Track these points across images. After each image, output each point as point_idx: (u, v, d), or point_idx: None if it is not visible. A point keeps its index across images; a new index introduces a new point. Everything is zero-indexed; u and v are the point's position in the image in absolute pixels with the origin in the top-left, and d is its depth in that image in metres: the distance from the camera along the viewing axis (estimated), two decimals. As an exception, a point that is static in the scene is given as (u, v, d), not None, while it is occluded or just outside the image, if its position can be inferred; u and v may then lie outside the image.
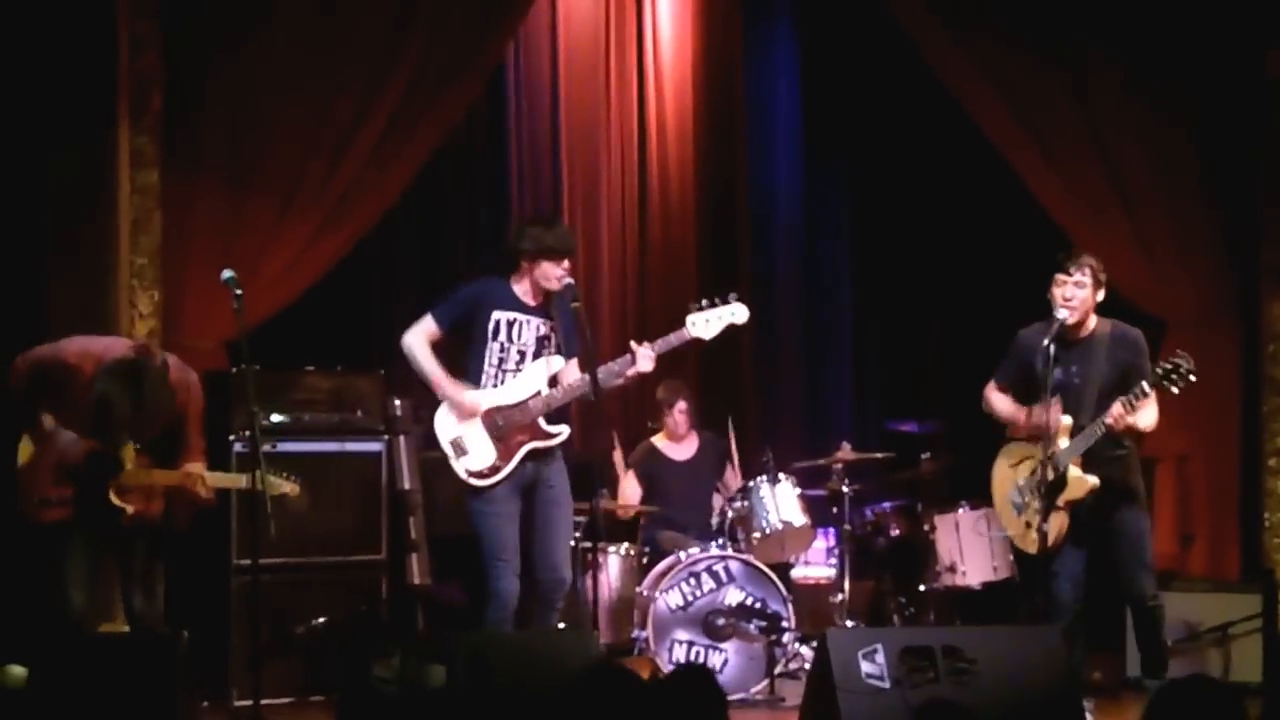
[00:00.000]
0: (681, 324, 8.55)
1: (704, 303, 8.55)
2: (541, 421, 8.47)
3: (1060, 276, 8.36)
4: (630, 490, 10.72)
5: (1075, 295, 8.33)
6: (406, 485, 9.71)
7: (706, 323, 8.52)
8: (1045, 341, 8.22)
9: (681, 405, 10.67)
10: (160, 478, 7.94)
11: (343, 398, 9.52)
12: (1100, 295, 8.43)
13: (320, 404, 9.50)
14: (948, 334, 12.58)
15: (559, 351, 8.57)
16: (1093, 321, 8.46)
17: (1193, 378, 8.12)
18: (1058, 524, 8.30)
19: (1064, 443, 8.27)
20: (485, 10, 10.33)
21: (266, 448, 7.76)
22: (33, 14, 9.13)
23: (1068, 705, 7.58)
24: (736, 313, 8.56)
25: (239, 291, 7.73)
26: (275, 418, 9.14)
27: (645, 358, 8.44)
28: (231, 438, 8.96)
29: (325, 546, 9.36)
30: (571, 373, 8.57)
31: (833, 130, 12.86)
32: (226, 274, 7.78)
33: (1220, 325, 10.70)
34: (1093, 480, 8.27)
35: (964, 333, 12.14)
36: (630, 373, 8.50)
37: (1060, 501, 8.27)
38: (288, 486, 8.15)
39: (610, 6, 12.04)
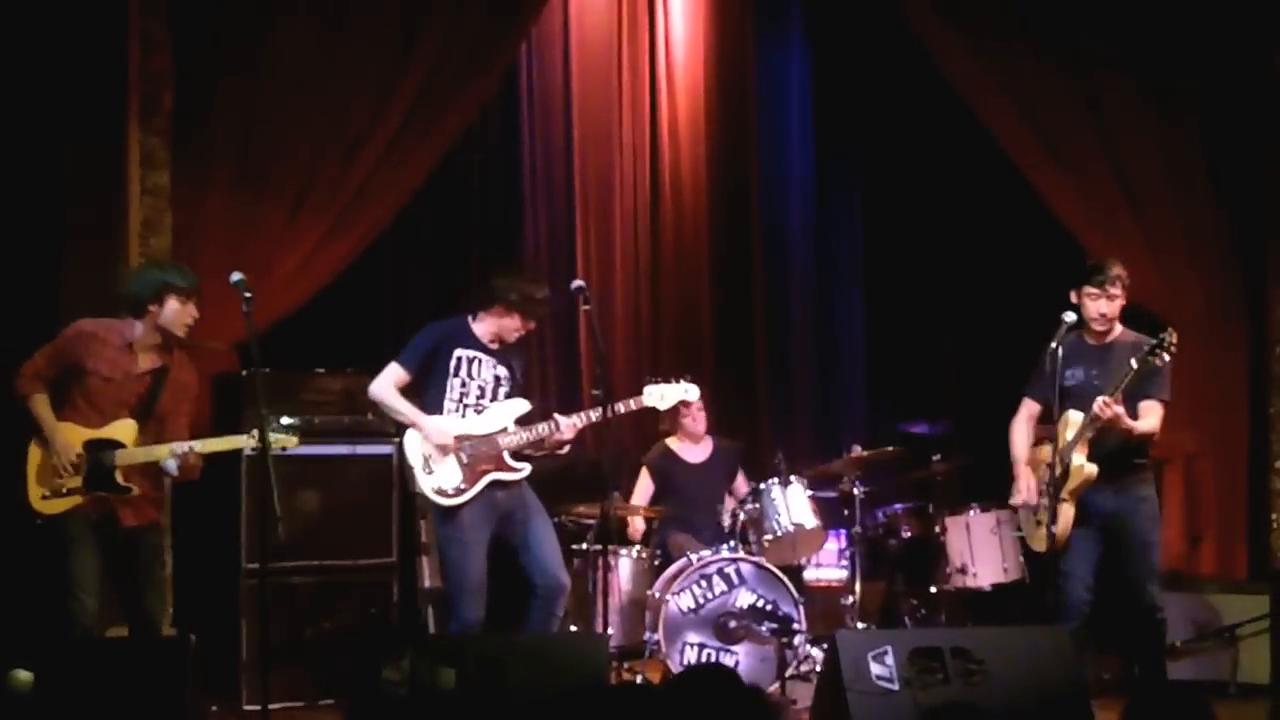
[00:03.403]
0: (639, 392, 9.00)
1: (658, 380, 9.06)
2: (506, 456, 8.67)
3: (1093, 290, 8.46)
4: (641, 488, 10.74)
5: (1110, 309, 8.46)
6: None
7: (661, 397, 9.03)
8: (1053, 344, 8.27)
9: (698, 404, 10.67)
10: (160, 452, 7.94)
11: (354, 400, 9.50)
12: (1123, 302, 8.50)
13: (331, 406, 9.52)
14: (959, 336, 12.55)
15: (517, 394, 8.83)
16: (1117, 329, 8.55)
17: (1173, 349, 8.21)
18: (1064, 518, 8.33)
19: (1069, 435, 8.32)
20: (499, 11, 10.32)
21: (275, 451, 7.74)
22: (43, 14, 9.16)
23: (1077, 705, 7.59)
24: (688, 390, 9.09)
25: (248, 294, 7.71)
26: (285, 420, 9.14)
27: (570, 427, 8.76)
28: (240, 441, 8.97)
29: (336, 549, 9.38)
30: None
31: (845, 132, 12.83)
32: (235, 276, 7.76)
33: (1228, 326, 10.75)
34: (1091, 467, 8.32)
35: (976, 335, 12.15)
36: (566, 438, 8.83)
37: (1064, 493, 8.31)
38: (285, 439, 8.08)
39: (622, 7, 12.04)
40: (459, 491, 8.55)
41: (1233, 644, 9.68)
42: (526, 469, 8.71)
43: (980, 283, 12.28)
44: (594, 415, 8.76)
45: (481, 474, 8.58)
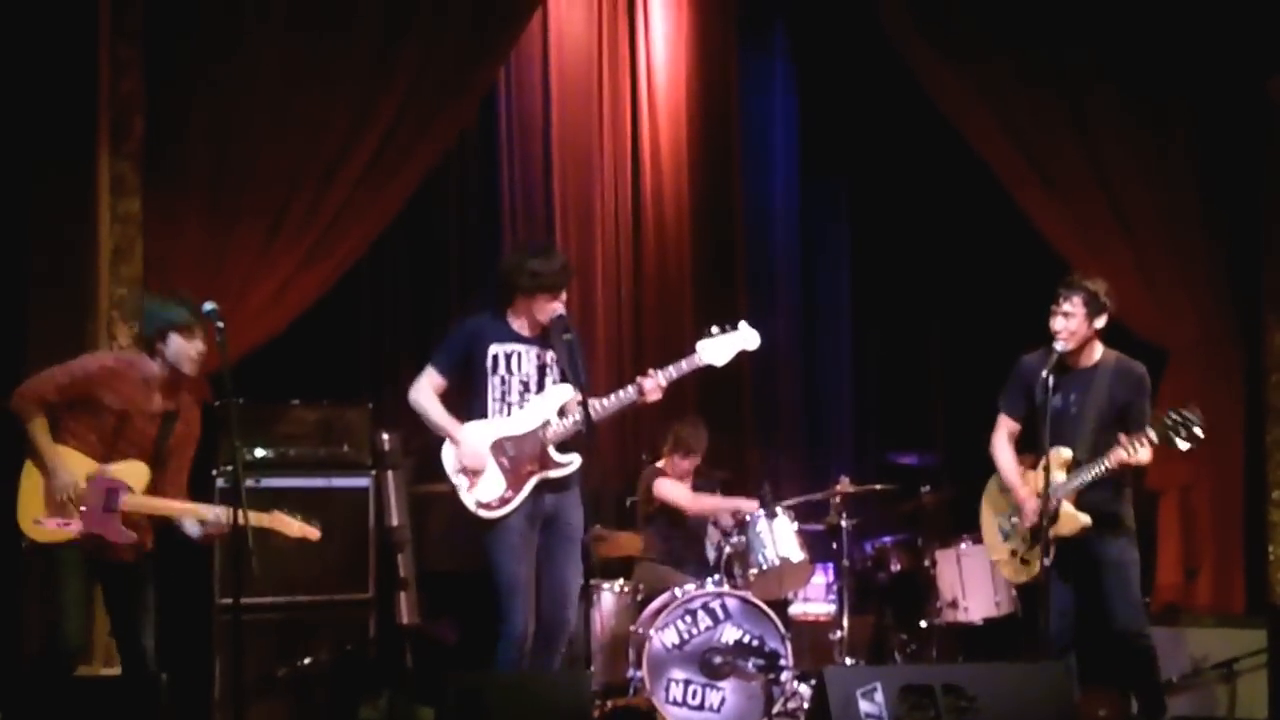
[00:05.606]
0: (691, 350, 8.43)
1: (714, 330, 8.44)
2: (551, 451, 8.33)
3: (1053, 305, 8.30)
4: (679, 491, 10.49)
5: (1065, 326, 8.27)
6: (395, 521, 9.60)
7: (718, 349, 8.40)
8: (1044, 373, 8.13)
9: (698, 457, 10.52)
10: (177, 509, 7.80)
11: (330, 431, 9.40)
12: (1100, 323, 8.32)
13: (306, 438, 9.40)
14: (948, 365, 12.48)
15: (564, 380, 8.42)
16: (1097, 352, 8.37)
17: (1199, 433, 8.04)
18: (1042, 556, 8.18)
19: (1060, 476, 8.17)
20: (477, 34, 10.18)
21: (249, 483, 7.61)
22: (10, 38, 9.01)
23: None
24: (748, 338, 8.47)
25: (221, 324, 7.60)
26: (260, 452, 9.00)
27: (654, 389, 8.31)
28: (214, 473, 8.81)
29: (311, 584, 9.21)
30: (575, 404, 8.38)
31: (830, 156, 12.75)
32: (208, 306, 7.65)
33: (1223, 354, 10.64)
34: (1084, 519, 8.18)
35: (964, 364, 12.02)
36: (637, 401, 8.35)
37: (1049, 535, 8.15)
38: (299, 528, 7.95)
39: (603, 30, 11.91)
40: (504, 501, 8.24)
41: (1230, 679, 9.54)
42: (575, 461, 8.34)
43: (970, 312, 12.19)
44: (685, 366, 8.34)
45: (527, 476, 8.27)
